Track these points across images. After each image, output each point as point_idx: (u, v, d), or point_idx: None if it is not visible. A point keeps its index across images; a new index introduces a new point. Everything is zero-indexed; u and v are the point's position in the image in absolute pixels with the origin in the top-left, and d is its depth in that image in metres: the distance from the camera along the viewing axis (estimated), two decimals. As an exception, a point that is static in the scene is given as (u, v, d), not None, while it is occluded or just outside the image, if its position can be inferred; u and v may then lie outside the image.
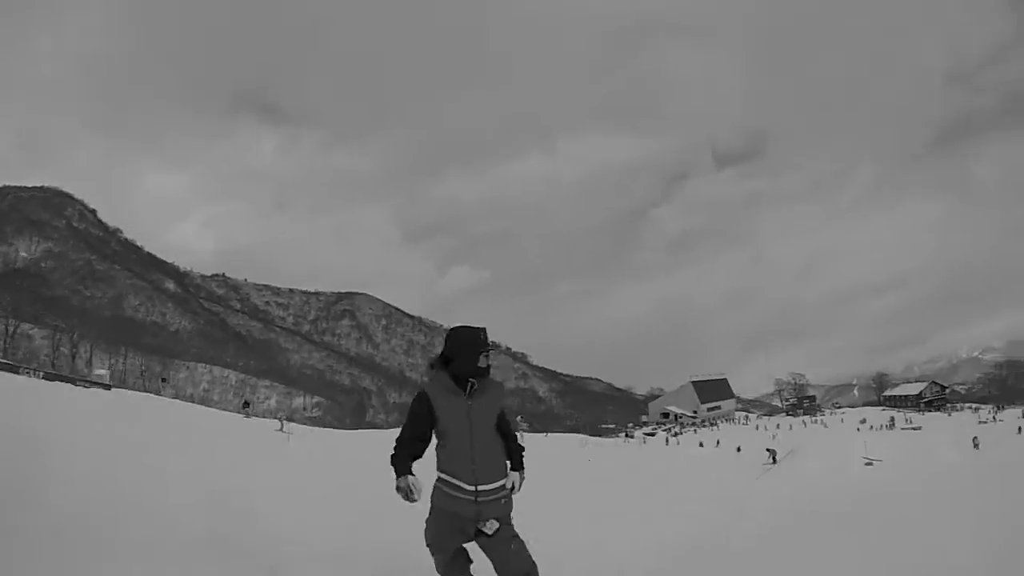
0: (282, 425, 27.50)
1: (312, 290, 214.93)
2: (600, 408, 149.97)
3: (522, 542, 2.90)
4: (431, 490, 2.88)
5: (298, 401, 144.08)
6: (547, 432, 67.15)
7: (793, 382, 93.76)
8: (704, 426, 78.78)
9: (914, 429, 50.69)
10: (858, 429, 50.20)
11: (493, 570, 2.87)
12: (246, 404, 38.43)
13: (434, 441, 2.90)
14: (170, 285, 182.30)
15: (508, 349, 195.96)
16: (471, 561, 3.07)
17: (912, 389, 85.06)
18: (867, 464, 23.64)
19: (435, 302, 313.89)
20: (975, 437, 31.61)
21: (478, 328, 2.87)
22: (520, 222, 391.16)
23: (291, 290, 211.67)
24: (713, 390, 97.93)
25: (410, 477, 2.75)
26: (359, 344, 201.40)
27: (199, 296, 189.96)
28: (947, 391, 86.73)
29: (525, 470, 3.06)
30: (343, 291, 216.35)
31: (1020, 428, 39.63)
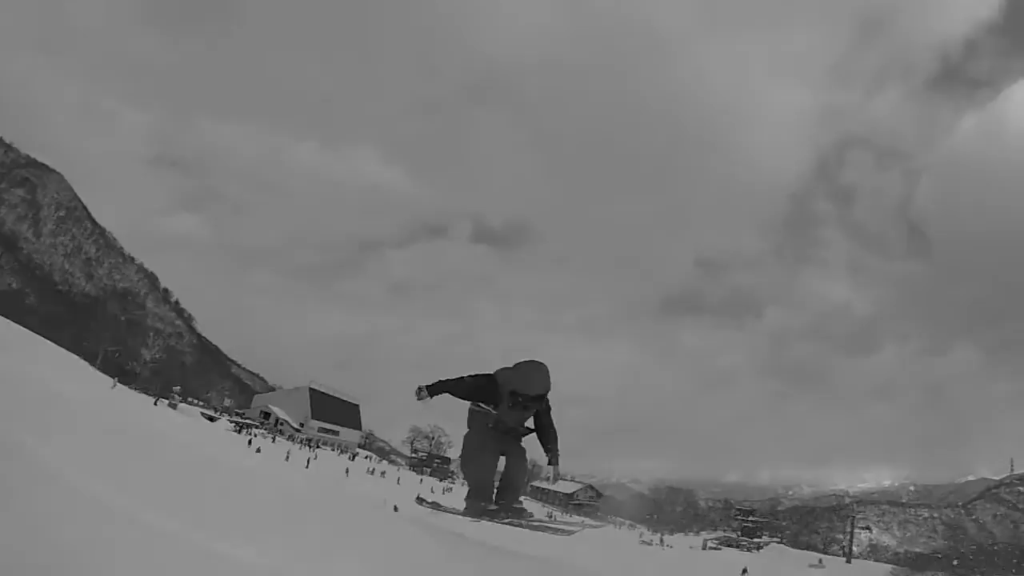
0: None
1: None
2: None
3: None
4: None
5: None
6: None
7: (433, 436, 78.22)
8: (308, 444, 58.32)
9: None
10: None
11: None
12: None
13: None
14: None
15: None
16: None
17: (568, 487, 76.33)
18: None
19: None
20: None
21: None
22: None
23: None
24: (337, 410, 76.95)
25: None
26: None
27: None
28: (601, 498, 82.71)
29: None
30: None
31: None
